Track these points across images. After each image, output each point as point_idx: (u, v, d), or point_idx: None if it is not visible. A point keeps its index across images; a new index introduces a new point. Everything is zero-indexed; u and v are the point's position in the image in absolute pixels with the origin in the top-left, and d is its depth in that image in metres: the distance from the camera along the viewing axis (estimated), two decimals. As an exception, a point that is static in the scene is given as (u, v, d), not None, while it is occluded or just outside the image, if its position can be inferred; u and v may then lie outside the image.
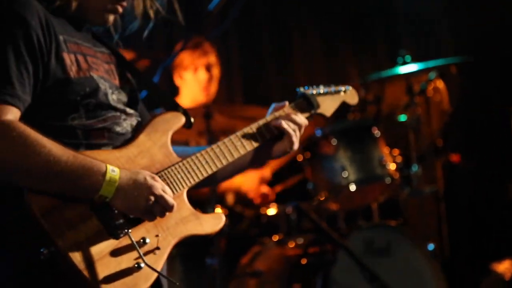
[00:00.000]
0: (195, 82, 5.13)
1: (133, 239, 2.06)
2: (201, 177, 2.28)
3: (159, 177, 2.15)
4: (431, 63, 4.84)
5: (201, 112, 4.66)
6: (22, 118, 2.04)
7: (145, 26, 2.45)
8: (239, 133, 2.40)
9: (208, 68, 5.15)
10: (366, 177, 4.70)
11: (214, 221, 2.28)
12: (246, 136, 2.41)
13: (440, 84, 5.04)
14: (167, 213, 2.12)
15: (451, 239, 5.31)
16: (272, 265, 4.75)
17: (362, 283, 4.51)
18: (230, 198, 5.13)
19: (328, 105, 2.65)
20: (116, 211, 2.05)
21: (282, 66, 6.09)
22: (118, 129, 2.21)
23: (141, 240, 2.09)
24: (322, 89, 2.65)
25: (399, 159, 4.81)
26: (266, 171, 5.22)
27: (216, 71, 5.18)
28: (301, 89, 2.62)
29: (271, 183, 5.28)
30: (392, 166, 4.71)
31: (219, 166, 2.33)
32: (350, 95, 2.75)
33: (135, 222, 2.10)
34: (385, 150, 4.77)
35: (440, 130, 5.26)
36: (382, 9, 6.15)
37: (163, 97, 2.49)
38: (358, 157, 4.71)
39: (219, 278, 4.56)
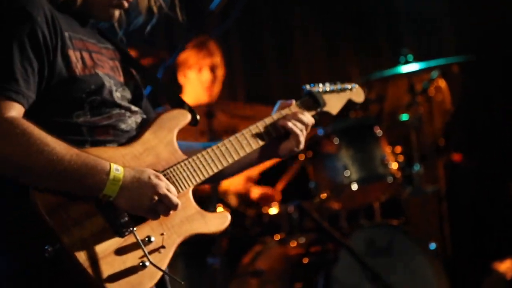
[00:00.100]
0: (198, 82, 5.13)
1: (138, 237, 2.05)
2: (206, 176, 2.27)
3: (164, 175, 2.14)
4: (433, 62, 4.84)
5: (203, 111, 4.65)
6: (26, 115, 2.02)
7: (147, 23, 2.44)
8: (245, 131, 2.39)
9: (213, 69, 5.14)
10: (368, 176, 4.69)
11: (219, 220, 2.27)
12: (252, 135, 2.40)
13: (442, 83, 5.03)
14: (172, 212, 2.10)
15: (453, 238, 5.31)
16: (274, 265, 4.74)
17: (364, 282, 4.51)
18: (232, 198, 5.12)
19: (334, 103, 2.64)
20: (120, 209, 2.04)
21: (283, 65, 6.09)
22: (123, 126, 2.20)
23: (146, 239, 2.07)
24: (328, 87, 2.64)
25: (401, 158, 4.80)
26: (253, 171, 5.19)
27: (220, 72, 5.17)
28: (307, 87, 2.60)
29: (270, 182, 5.26)
30: (394, 165, 4.70)
31: (225, 164, 2.32)
32: (356, 93, 2.73)
33: (140, 220, 2.09)
34: (387, 149, 4.76)
35: (442, 129, 5.26)
36: (384, 8, 6.15)
37: (169, 94, 2.48)
38: (360, 156, 4.71)
39: (221, 277, 4.56)
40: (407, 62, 4.85)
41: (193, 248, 4.62)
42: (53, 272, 2.00)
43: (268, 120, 2.45)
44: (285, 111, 2.48)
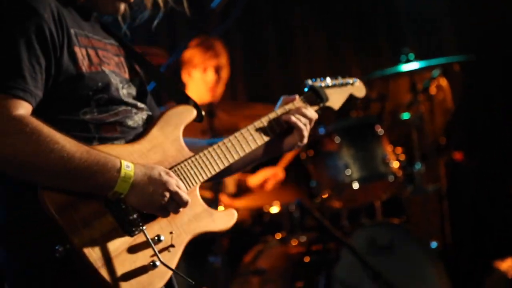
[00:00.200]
0: (202, 82, 5.12)
1: (148, 236, 2.02)
2: (213, 172, 2.26)
3: (172, 172, 2.12)
4: (434, 61, 4.84)
5: (204, 110, 4.63)
6: (34, 113, 1.99)
7: (150, 20, 2.43)
8: (250, 127, 2.38)
9: (218, 70, 5.13)
10: (369, 175, 4.69)
11: (226, 218, 2.27)
12: (257, 130, 2.40)
13: (443, 82, 5.03)
14: (181, 210, 2.09)
15: (454, 237, 5.30)
16: (275, 263, 4.74)
17: (365, 281, 4.51)
18: (230, 186, 5.11)
19: (336, 98, 2.64)
20: (130, 207, 2.02)
21: (284, 64, 6.08)
22: (130, 123, 2.18)
23: (156, 238, 2.05)
24: (330, 82, 2.63)
25: (402, 157, 4.80)
26: None
27: (225, 74, 5.17)
28: (309, 81, 2.60)
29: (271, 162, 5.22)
30: (395, 164, 4.71)
31: (231, 161, 2.32)
32: (357, 87, 2.73)
33: (149, 219, 2.07)
34: (388, 148, 4.77)
35: (443, 128, 5.26)
36: (384, 8, 6.15)
37: (173, 90, 2.47)
38: (361, 155, 4.71)
39: (222, 276, 4.56)
40: (408, 61, 4.85)
41: (195, 247, 4.59)
42: (64, 272, 1.97)
43: (272, 115, 2.44)
44: (288, 106, 2.48)
